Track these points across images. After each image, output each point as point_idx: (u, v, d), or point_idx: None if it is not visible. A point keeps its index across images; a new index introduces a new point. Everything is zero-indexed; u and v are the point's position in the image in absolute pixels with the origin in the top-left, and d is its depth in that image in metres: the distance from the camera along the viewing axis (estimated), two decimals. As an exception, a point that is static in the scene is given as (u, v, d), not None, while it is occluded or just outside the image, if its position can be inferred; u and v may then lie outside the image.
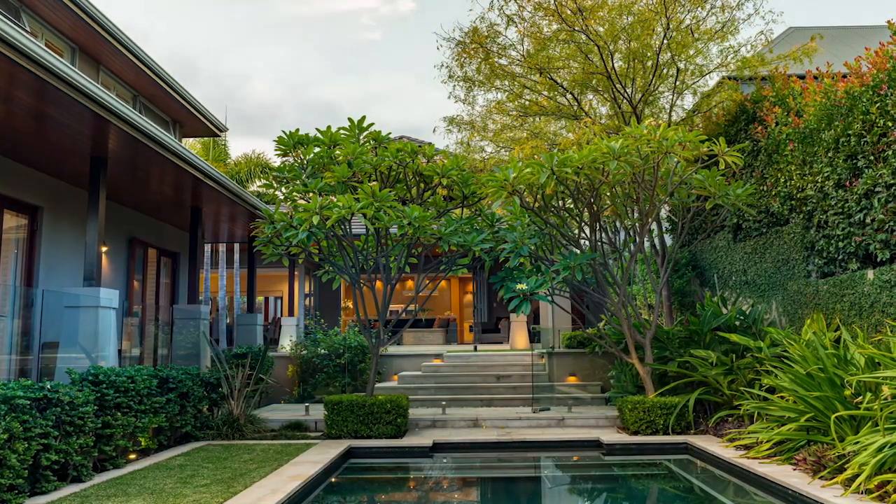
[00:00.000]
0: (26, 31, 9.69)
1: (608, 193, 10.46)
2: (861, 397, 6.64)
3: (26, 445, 5.77)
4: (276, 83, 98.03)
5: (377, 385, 12.53)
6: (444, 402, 11.40)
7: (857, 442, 6.03)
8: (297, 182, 10.08)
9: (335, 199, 9.17)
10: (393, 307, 25.57)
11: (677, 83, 12.31)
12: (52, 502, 5.80)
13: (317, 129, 10.15)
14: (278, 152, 10.31)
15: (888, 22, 8.18)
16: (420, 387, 12.36)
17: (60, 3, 9.92)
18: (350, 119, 10.15)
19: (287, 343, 14.18)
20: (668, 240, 14.66)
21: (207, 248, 21.46)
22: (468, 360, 13.40)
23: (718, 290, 13.06)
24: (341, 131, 10.12)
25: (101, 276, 10.91)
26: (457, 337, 23.86)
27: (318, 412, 10.59)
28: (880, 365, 6.76)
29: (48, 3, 9.96)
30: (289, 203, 10.16)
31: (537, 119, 13.79)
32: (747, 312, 10.83)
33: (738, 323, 10.68)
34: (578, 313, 17.08)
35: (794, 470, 6.66)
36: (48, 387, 6.21)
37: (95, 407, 6.84)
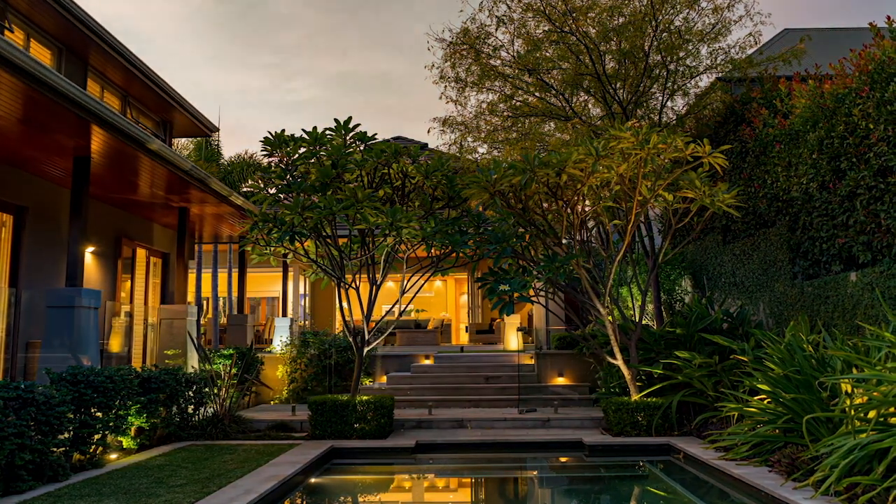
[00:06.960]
0: (10, 32, 9.75)
1: (593, 195, 10.44)
2: (837, 399, 6.63)
3: (-1, 445, 5.78)
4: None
5: (366, 386, 12.54)
6: (430, 403, 11.40)
7: (831, 444, 6.02)
8: (283, 182, 10.08)
9: (316, 200, 9.17)
10: (385, 307, 25.55)
11: (668, 84, 12.29)
12: (26, 501, 5.81)
13: (302, 130, 10.15)
14: (264, 152, 10.32)
15: (870, 24, 8.16)
16: (409, 387, 12.36)
17: (46, 4, 9.95)
18: (336, 119, 10.15)
19: (278, 343, 14.19)
20: (659, 241, 14.63)
21: (203, 248, 21.50)
22: (458, 361, 13.40)
23: (708, 291, 13.03)
24: (327, 132, 10.12)
25: (88, 276, 10.97)
26: (451, 338, 23.84)
27: (305, 413, 10.59)
28: (856, 367, 6.75)
29: (35, 4, 9.99)
30: (274, 204, 10.17)
31: (528, 120, 13.76)
32: (734, 314, 10.81)
33: (724, 325, 10.66)
34: (568, 314, 17.05)
35: (770, 472, 6.65)
36: (22, 386, 6.22)
37: (73, 407, 6.85)
